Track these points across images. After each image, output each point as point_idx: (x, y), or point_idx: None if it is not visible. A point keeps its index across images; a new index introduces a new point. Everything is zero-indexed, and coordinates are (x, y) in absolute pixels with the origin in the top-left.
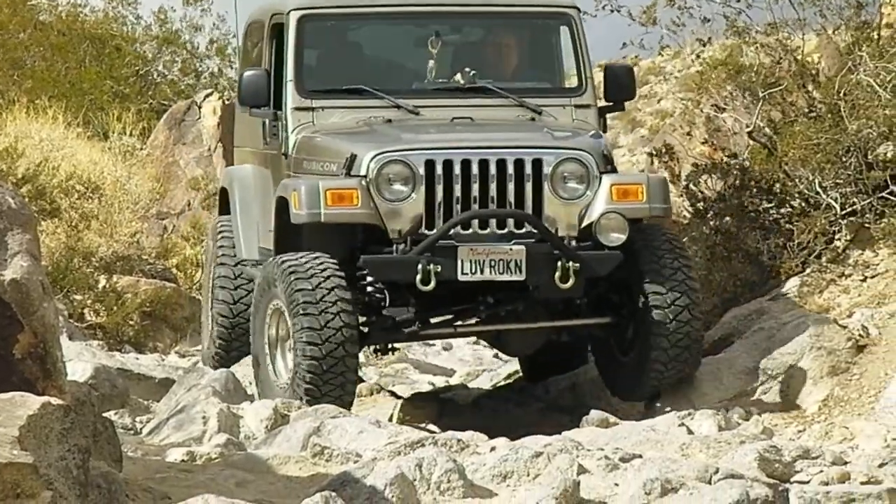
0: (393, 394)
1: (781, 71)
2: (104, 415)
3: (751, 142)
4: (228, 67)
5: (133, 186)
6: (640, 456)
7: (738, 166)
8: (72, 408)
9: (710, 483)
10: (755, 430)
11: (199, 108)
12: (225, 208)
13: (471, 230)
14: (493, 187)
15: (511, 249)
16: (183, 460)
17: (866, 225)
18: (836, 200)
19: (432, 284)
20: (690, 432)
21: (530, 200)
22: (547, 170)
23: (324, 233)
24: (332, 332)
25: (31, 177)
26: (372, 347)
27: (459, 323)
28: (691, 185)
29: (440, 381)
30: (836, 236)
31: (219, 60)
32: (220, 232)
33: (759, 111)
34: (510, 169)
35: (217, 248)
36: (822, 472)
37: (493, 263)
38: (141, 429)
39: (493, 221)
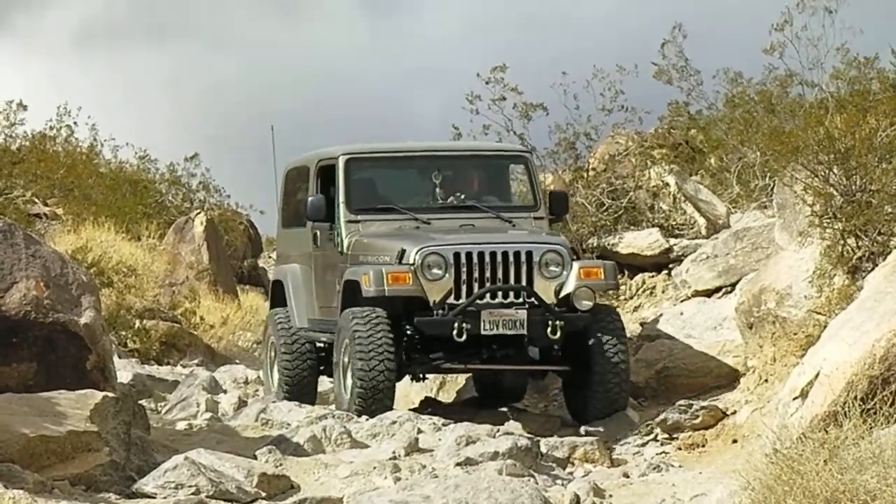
0: None
1: None
2: (139, 402)
3: None
4: (210, 198)
5: (154, 268)
6: (453, 422)
7: None
8: (120, 398)
9: (494, 437)
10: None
11: (193, 221)
12: (275, 299)
13: (485, 300)
14: (500, 270)
15: (517, 312)
16: (185, 428)
17: None
18: None
19: (464, 337)
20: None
21: (525, 279)
22: (536, 258)
23: (381, 303)
24: (376, 364)
25: (95, 262)
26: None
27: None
28: None
29: None
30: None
31: (204, 193)
32: (278, 320)
33: None
34: (511, 258)
35: (278, 329)
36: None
37: (504, 322)
38: (160, 410)
39: (499, 294)
